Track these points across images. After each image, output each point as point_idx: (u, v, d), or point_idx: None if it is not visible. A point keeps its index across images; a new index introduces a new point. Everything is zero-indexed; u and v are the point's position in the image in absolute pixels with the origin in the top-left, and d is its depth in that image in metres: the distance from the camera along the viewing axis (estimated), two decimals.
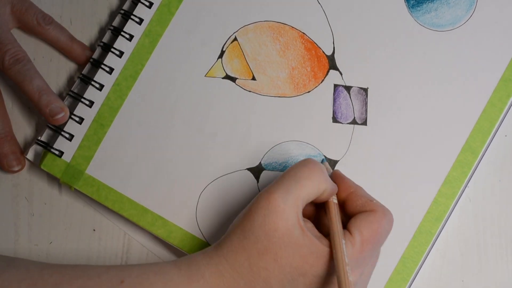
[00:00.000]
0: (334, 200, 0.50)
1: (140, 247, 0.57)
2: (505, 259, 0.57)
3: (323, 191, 0.49)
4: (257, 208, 0.47)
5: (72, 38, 0.58)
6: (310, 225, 0.49)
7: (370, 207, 0.49)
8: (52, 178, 0.58)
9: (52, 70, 0.59)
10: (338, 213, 0.49)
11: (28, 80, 0.55)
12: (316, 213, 0.52)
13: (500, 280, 0.57)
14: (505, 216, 0.58)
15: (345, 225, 0.49)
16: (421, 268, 0.57)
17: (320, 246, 0.47)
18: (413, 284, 0.56)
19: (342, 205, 0.51)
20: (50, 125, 0.57)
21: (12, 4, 0.57)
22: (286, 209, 0.47)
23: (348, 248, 0.47)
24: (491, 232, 0.58)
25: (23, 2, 0.57)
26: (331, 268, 0.47)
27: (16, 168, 0.57)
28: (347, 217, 0.50)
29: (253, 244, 0.47)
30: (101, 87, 0.57)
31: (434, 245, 0.57)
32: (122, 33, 0.57)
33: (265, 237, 0.47)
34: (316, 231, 0.49)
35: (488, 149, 0.58)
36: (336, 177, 0.52)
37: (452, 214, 0.57)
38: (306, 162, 0.49)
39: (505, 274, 0.57)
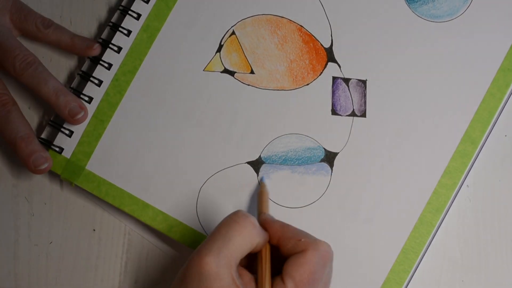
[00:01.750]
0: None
1: (140, 247, 0.57)
2: (505, 259, 0.57)
3: (256, 245, 0.47)
4: (191, 274, 0.45)
5: (72, 36, 0.57)
6: (247, 278, 0.47)
7: (300, 248, 0.47)
8: (52, 178, 0.58)
9: (52, 70, 0.59)
10: (266, 263, 0.48)
11: (43, 82, 0.55)
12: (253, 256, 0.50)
13: (500, 280, 0.57)
14: (505, 216, 0.58)
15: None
16: (421, 269, 0.56)
17: None
18: (413, 284, 0.56)
19: (277, 249, 0.49)
20: (50, 122, 0.57)
21: (11, 13, 0.57)
22: (220, 272, 0.45)
23: None
24: (491, 232, 0.58)
25: (21, 10, 0.57)
26: None
27: (43, 166, 0.55)
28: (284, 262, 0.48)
29: None
30: (100, 83, 0.57)
31: (435, 245, 0.57)
32: (120, 28, 0.57)
33: None
34: (253, 284, 0.47)
35: (488, 149, 0.58)
36: (264, 224, 0.49)
37: (452, 214, 0.57)
38: (236, 218, 0.47)
39: (505, 274, 0.57)
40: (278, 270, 0.47)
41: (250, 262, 0.49)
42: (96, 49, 0.57)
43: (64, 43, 0.57)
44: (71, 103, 0.55)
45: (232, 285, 0.45)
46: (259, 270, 0.47)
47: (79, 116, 0.55)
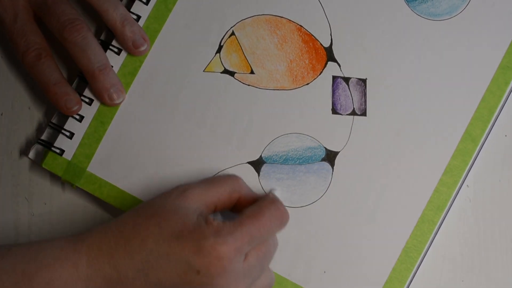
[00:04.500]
0: None
1: None
2: (505, 259, 0.57)
3: (236, 198, 0.52)
4: (170, 192, 0.50)
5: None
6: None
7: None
8: (52, 178, 0.58)
9: None
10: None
11: (113, 7, 0.55)
12: None
13: (500, 280, 0.57)
14: (505, 216, 0.58)
15: None
16: (422, 269, 0.56)
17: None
18: (413, 284, 0.56)
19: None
20: (51, 124, 0.57)
21: None
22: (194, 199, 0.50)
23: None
24: (491, 232, 0.58)
25: None
26: None
27: (117, 101, 0.55)
28: None
29: (146, 209, 0.49)
30: None
31: (435, 246, 0.57)
32: None
33: (158, 206, 0.49)
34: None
35: (488, 149, 0.58)
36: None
37: (452, 215, 0.57)
38: (230, 175, 0.53)
39: (505, 274, 0.57)
40: None
41: None
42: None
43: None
44: (136, 34, 0.55)
45: (197, 213, 0.49)
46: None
47: (143, 48, 0.55)
